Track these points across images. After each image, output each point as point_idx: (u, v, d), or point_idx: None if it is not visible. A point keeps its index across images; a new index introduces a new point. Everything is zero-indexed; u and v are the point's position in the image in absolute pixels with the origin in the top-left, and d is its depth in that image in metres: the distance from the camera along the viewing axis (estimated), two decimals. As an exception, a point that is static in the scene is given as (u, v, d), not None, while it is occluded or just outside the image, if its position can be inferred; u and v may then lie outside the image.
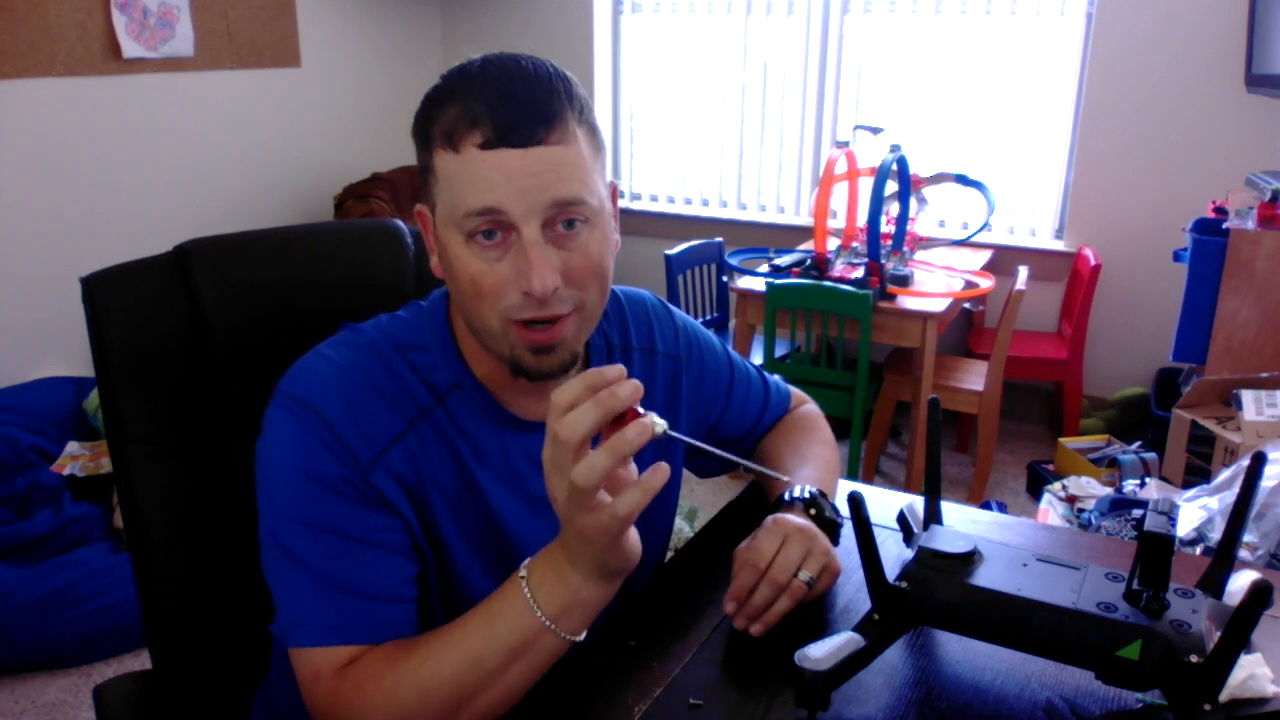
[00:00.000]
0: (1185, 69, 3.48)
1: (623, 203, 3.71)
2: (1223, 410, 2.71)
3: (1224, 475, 2.28)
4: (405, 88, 4.52)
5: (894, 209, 3.45)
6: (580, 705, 0.89)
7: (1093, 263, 3.53)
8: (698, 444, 0.86)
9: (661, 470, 0.76)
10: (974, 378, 3.31)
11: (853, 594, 1.04)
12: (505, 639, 0.82)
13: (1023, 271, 3.28)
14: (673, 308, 1.16)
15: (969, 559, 0.87)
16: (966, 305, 3.71)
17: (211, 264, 1.07)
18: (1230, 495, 2.14)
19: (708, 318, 3.76)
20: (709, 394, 1.16)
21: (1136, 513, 2.42)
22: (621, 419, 0.75)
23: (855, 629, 0.88)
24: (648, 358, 1.08)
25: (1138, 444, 3.13)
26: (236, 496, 1.03)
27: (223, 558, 1.08)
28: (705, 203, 4.51)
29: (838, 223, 3.65)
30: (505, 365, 0.90)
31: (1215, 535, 2.07)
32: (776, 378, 1.28)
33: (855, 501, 0.87)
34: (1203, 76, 3.46)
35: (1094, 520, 2.49)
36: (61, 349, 3.19)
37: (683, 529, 2.81)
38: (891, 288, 3.14)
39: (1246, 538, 2.00)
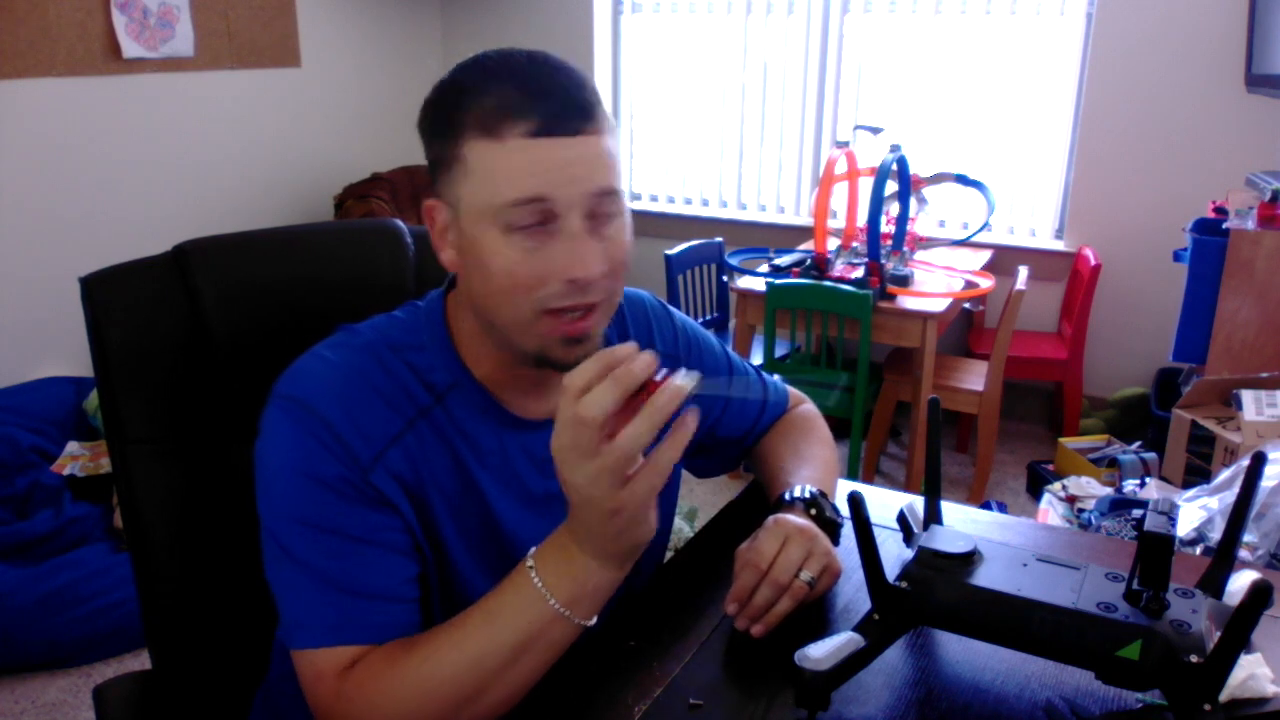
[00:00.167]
0: (1185, 69, 3.48)
1: (623, 203, 3.71)
2: (1223, 410, 2.71)
3: (1224, 475, 2.28)
4: (405, 88, 4.52)
5: (894, 209, 3.45)
6: (580, 705, 0.89)
7: (1093, 263, 3.53)
8: (729, 393, 0.86)
9: (691, 419, 0.76)
10: (974, 378, 3.31)
11: (853, 594, 1.04)
12: (513, 632, 0.81)
13: (1023, 271, 3.28)
14: (671, 308, 1.16)
15: (969, 559, 0.87)
16: (966, 305, 3.71)
17: (211, 264, 1.07)
18: (1230, 495, 2.14)
19: (708, 318, 3.76)
20: (708, 395, 1.16)
21: (1136, 513, 2.42)
22: (640, 392, 0.75)
23: (855, 629, 0.88)
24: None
25: (1138, 444, 3.13)
26: (236, 496, 1.03)
27: (223, 558, 1.08)
28: (705, 203, 4.51)
29: (838, 223, 3.65)
30: (525, 360, 0.89)
31: (1215, 535, 2.07)
32: (775, 378, 1.28)
33: (855, 501, 0.87)
34: (1203, 76, 3.46)
35: (1094, 520, 2.49)
36: (61, 349, 3.19)
37: (683, 529, 2.81)
38: (891, 288, 3.14)
39: (1246, 538, 2.00)
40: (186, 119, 3.61)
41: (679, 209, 4.53)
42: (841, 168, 3.47)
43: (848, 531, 1.05)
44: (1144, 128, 3.59)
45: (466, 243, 0.86)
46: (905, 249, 3.45)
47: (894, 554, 0.93)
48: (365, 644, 0.85)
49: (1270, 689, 0.86)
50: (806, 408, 1.29)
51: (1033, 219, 3.97)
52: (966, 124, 3.96)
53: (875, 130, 3.77)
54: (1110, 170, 3.68)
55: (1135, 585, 0.82)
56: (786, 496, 1.07)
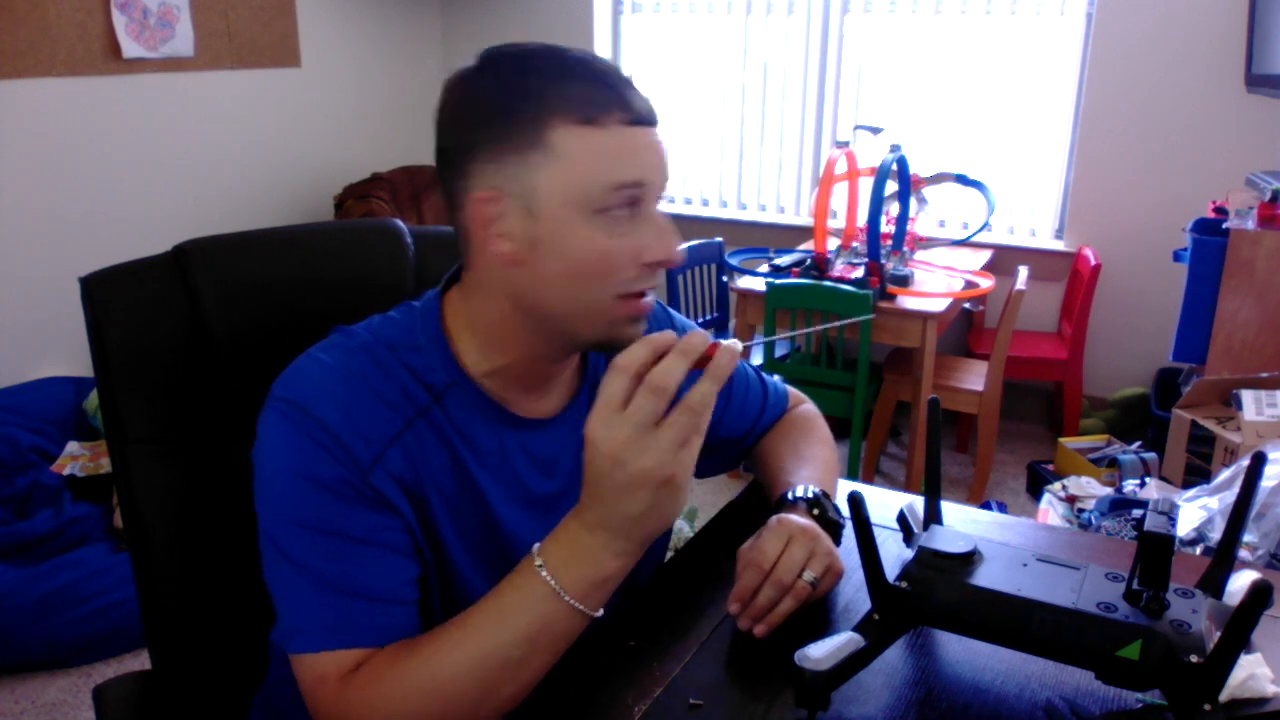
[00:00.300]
0: (1185, 69, 3.48)
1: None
2: (1223, 410, 2.71)
3: (1224, 475, 2.28)
4: (405, 88, 4.53)
5: (894, 209, 3.45)
6: (580, 705, 0.89)
7: (1093, 263, 3.53)
8: (776, 337, 0.90)
9: (734, 348, 0.78)
10: (974, 378, 3.31)
11: (853, 594, 1.04)
12: (525, 626, 0.81)
13: (1023, 271, 3.28)
14: (671, 310, 1.16)
15: (969, 559, 0.87)
16: (966, 305, 3.71)
17: (211, 264, 1.07)
18: (1230, 495, 2.14)
19: (708, 318, 3.76)
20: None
21: (1136, 513, 2.42)
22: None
23: (855, 629, 0.88)
24: None
25: (1138, 444, 3.13)
26: (236, 497, 1.02)
27: (223, 558, 1.08)
28: (705, 203, 4.51)
29: (838, 223, 3.65)
30: (576, 347, 0.92)
31: (1215, 535, 2.07)
32: (775, 378, 1.28)
33: (855, 501, 0.87)
34: (1203, 76, 3.46)
35: (1094, 520, 2.49)
36: (61, 349, 3.19)
37: (683, 529, 2.81)
38: (891, 288, 3.14)
39: (1246, 538, 2.00)
40: (186, 119, 3.61)
41: (679, 209, 4.53)
42: (841, 168, 3.47)
43: (848, 532, 1.05)
44: (1144, 128, 3.59)
45: (543, 230, 0.84)
46: (905, 249, 3.45)
47: (894, 554, 0.93)
48: (367, 647, 0.84)
49: (1270, 689, 0.86)
50: (807, 408, 1.29)
51: (1033, 219, 3.97)
52: (966, 124, 3.96)
53: (875, 130, 3.77)
54: (1110, 170, 3.68)
55: (1135, 585, 0.82)
56: (789, 496, 1.07)
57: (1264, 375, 2.64)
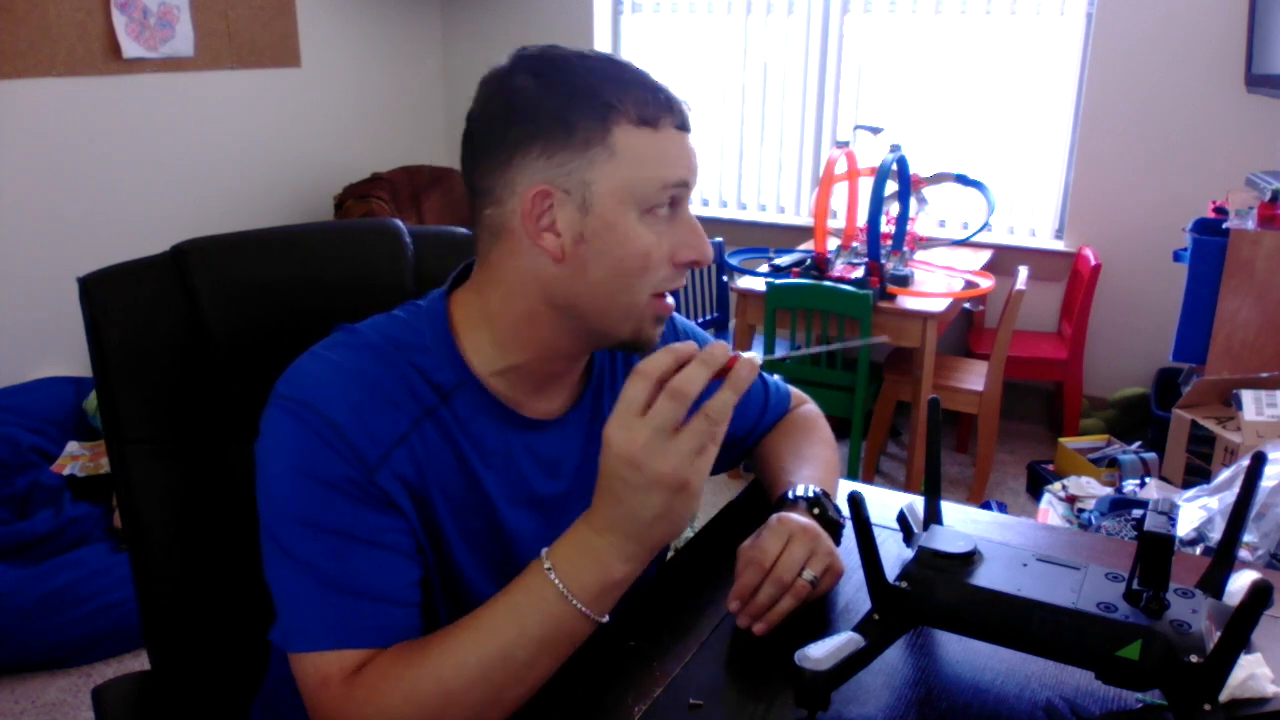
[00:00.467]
0: (1185, 69, 3.48)
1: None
2: (1223, 410, 2.71)
3: (1224, 475, 2.28)
4: (405, 88, 4.53)
5: (894, 209, 3.45)
6: (580, 705, 0.89)
7: (1093, 263, 3.53)
8: (806, 351, 0.92)
9: (753, 361, 0.80)
10: (974, 378, 3.31)
11: (853, 594, 1.03)
12: (532, 630, 0.81)
13: (1023, 271, 3.28)
14: (673, 311, 1.16)
15: (969, 559, 0.87)
16: (966, 305, 3.71)
17: (209, 264, 1.07)
18: (1230, 495, 2.13)
19: (708, 318, 3.76)
20: (708, 396, 1.16)
21: (1136, 513, 2.42)
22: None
23: (855, 629, 0.88)
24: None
25: (1138, 444, 3.12)
26: (235, 497, 1.03)
27: (222, 558, 1.07)
28: (705, 203, 4.51)
29: (838, 223, 3.65)
30: (602, 344, 0.94)
31: (1215, 535, 2.07)
32: (776, 378, 1.28)
33: (855, 501, 0.87)
34: (1203, 76, 3.46)
35: (1094, 520, 2.49)
36: (61, 349, 3.19)
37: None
38: (891, 288, 3.14)
39: (1246, 538, 2.00)
40: (186, 119, 3.61)
41: (679, 209, 4.52)
42: (841, 168, 3.47)
43: (848, 532, 1.05)
44: (1144, 128, 3.59)
45: (597, 226, 0.87)
46: (905, 249, 3.45)
47: (894, 554, 0.93)
48: (370, 647, 0.84)
49: (1270, 689, 0.86)
50: (808, 408, 1.29)
51: (1033, 219, 3.97)
52: (966, 124, 3.96)
53: (875, 130, 3.77)
54: (1110, 170, 3.68)
55: (1135, 585, 0.81)
56: (789, 495, 1.07)
57: (1264, 375, 2.64)
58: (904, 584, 0.87)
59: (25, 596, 2.39)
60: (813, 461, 1.16)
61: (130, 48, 3.34)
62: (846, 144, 3.57)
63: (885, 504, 1.14)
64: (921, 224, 3.78)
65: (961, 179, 3.79)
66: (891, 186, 3.35)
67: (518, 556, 0.96)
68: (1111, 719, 0.85)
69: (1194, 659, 0.76)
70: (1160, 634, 0.77)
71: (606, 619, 0.83)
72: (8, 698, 2.32)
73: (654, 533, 0.80)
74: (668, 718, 0.87)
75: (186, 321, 1.05)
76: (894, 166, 3.24)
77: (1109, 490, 2.70)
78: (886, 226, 3.40)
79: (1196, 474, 2.69)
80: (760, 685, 0.91)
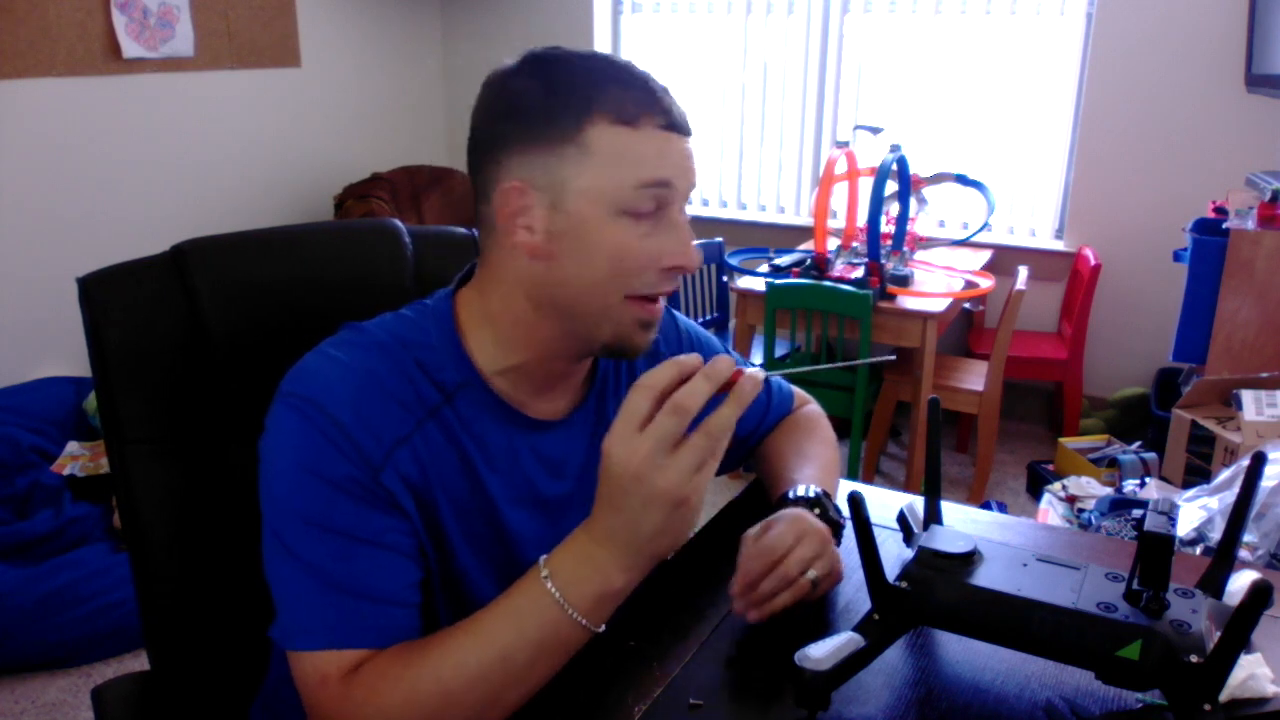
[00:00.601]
0: (1185, 69, 3.48)
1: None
2: (1223, 410, 2.71)
3: (1224, 475, 2.28)
4: (405, 88, 4.53)
5: (894, 209, 3.45)
6: (580, 705, 0.89)
7: (1093, 263, 3.53)
8: (803, 369, 0.90)
9: (756, 376, 0.80)
10: (974, 378, 3.31)
11: (853, 594, 1.04)
12: (530, 636, 0.81)
13: (1023, 271, 3.28)
14: (674, 311, 1.16)
15: (969, 559, 0.87)
16: (966, 305, 3.71)
17: (209, 264, 1.07)
18: (1230, 495, 2.13)
19: (708, 318, 3.76)
20: (713, 408, 1.16)
21: (1136, 513, 2.42)
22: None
23: (855, 629, 0.88)
24: (650, 358, 1.08)
25: (1138, 444, 3.12)
26: (235, 497, 1.03)
27: (221, 558, 1.07)
28: (705, 203, 4.51)
29: (838, 223, 3.65)
30: (587, 348, 0.92)
31: (1215, 535, 2.07)
32: (778, 378, 1.28)
33: (855, 501, 0.87)
34: (1203, 76, 3.46)
35: (1094, 520, 2.49)
36: (61, 349, 3.19)
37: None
38: (891, 288, 3.14)
39: (1246, 538, 2.00)
40: (186, 119, 3.61)
41: (679, 209, 4.52)
42: (841, 168, 3.47)
43: (848, 532, 1.05)
44: (1144, 128, 3.59)
45: (568, 225, 0.86)
46: (905, 249, 3.45)
47: (894, 554, 0.93)
48: (370, 648, 0.85)
49: (1270, 689, 0.86)
50: (811, 408, 1.29)
51: (1033, 219, 3.97)
52: (966, 124, 3.96)
53: (875, 130, 3.77)
54: (1110, 170, 3.68)
55: (1135, 585, 0.81)
56: (790, 495, 1.07)
57: (1264, 375, 2.64)
58: (904, 584, 0.87)
59: (25, 596, 2.39)
60: (814, 461, 1.16)
61: (130, 48, 3.34)
62: (846, 144, 3.57)
63: (885, 504, 1.14)
64: (921, 224, 3.78)
65: (961, 179, 3.79)
66: (891, 186, 3.35)
67: (520, 557, 0.96)
68: (1111, 719, 0.85)
69: (1194, 659, 0.76)
70: (1160, 634, 0.77)
71: (603, 628, 0.83)
72: (8, 698, 2.32)
73: (653, 546, 0.80)
74: (668, 718, 0.87)
75: (186, 321, 1.05)
76: (894, 166, 3.24)
77: (1109, 490, 2.70)
78: (886, 226, 3.40)
79: (1196, 474, 2.69)
80: (760, 685, 0.91)
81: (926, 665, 0.93)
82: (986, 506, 3.00)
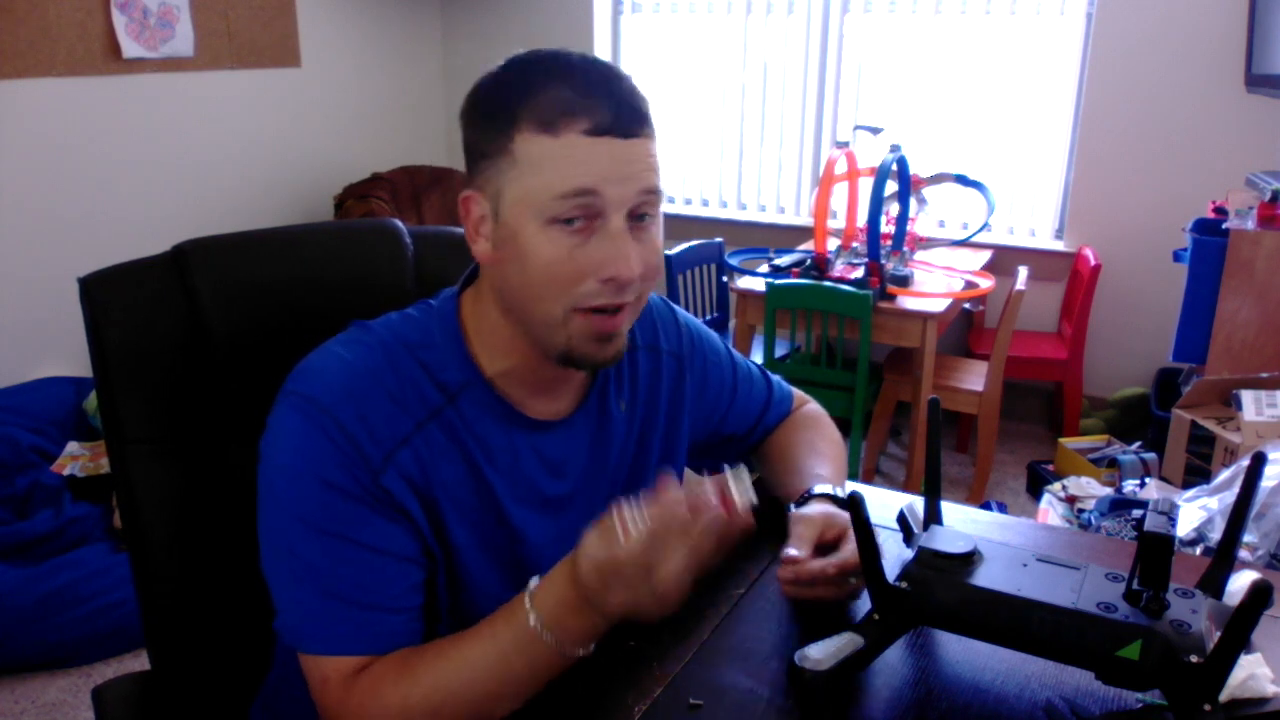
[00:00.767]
0: (1185, 69, 3.48)
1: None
2: (1223, 410, 2.71)
3: (1224, 475, 2.28)
4: (405, 88, 4.52)
5: (894, 209, 3.45)
6: (580, 705, 0.89)
7: (1093, 263, 3.53)
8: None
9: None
10: (974, 378, 3.31)
11: (853, 594, 1.03)
12: (515, 658, 0.83)
13: (1023, 271, 3.28)
14: (675, 307, 1.16)
15: (969, 559, 0.87)
16: (966, 305, 3.71)
17: (210, 264, 1.07)
18: (1230, 495, 2.13)
19: (708, 318, 3.75)
20: (713, 392, 1.16)
21: (1136, 513, 2.42)
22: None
23: (855, 629, 0.88)
24: (652, 355, 1.08)
25: (1138, 444, 3.12)
26: (235, 497, 1.03)
27: (222, 558, 1.07)
28: (705, 203, 4.51)
29: (838, 223, 3.65)
30: (552, 358, 0.89)
31: (1215, 535, 2.07)
32: (778, 377, 1.28)
33: (855, 501, 0.87)
34: (1203, 76, 3.46)
35: (1094, 520, 2.49)
36: (61, 349, 3.19)
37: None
38: (891, 288, 3.14)
39: (1246, 538, 2.00)
40: (186, 119, 3.61)
41: (679, 209, 4.53)
42: (841, 168, 3.47)
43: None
44: (1144, 128, 3.59)
45: (505, 235, 0.86)
46: (905, 249, 3.45)
47: (894, 554, 0.93)
48: (369, 654, 0.86)
49: (1270, 689, 0.86)
50: (813, 407, 1.30)
51: (1033, 219, 3.97)
52: (966, 124, 3.96)
53: (875, 130, 3.77)
54: (1110, 170, 3.68)
55: (1135, 585, 0.82)
56: (833, 493, 1.08)
57: (1264, 375, 2.64)
58: (904, 584, 0.87)
59: (25, 596, 2.39)
60: (829, 460, 1.17)
61: (130, 48, 3.34)
62: (846, 144, 3.57)
63: (885, 504, 1.13)
64: (921, 224, 3.78)
65: (961, 179, 3.79)
66: (891, 186, 3.35)
67: (525, 555, 0.96)
68: (1111, 719, 0.85)
69: (1194, 659, 0.76)
70: (1160, 634, 0.78)
71: (591, 649, 0.85)
72: (8, 698, 2.32)
73: (633, 615, 0.81)
74: (668, 718, 0.87)
75: (187, 321, 1.05)
76: (894, 166, 3.24)
77: (1109, 490, 2.70)
78: (886, 226, 3.40)
79: (1196, 474, 2.69)
80: (760, 685, 0.91)
81: (926, 665, 0.93)
82: (986, 506, 3.00)
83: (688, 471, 1.15)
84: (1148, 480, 2.74)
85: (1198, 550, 2.05)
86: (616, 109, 0.84)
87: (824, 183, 3.33)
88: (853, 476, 3.19)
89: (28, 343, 3.15)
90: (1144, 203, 3.64)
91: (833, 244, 3.52)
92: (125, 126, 3.41)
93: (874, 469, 3.53)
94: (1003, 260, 3.79)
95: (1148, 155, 3.61)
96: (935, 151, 3.95)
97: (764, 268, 3.46)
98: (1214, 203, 2.91)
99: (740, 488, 0.80)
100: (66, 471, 2.79)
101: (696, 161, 4.48)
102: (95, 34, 3.25)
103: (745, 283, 3.32)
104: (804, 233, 4.07)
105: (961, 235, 3.90)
